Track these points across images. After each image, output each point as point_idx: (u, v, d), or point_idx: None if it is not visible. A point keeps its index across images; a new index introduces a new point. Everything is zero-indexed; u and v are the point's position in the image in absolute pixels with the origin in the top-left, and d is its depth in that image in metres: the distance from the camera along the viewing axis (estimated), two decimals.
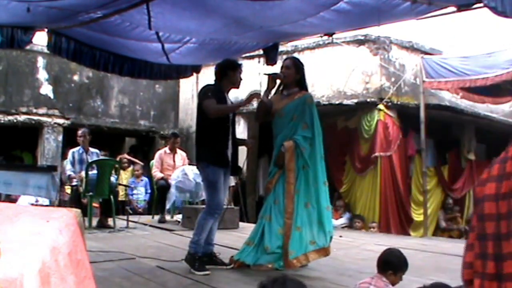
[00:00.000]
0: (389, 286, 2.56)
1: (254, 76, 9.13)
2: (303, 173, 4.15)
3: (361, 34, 8.54)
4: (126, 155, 9.95)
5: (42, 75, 9.38)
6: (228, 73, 4.22)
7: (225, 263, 4.16)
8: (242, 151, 10.63)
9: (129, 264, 4.16)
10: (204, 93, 4.13)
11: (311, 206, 4.13)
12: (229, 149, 4.15)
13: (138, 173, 9.24)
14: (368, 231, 8.16)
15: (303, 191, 4.13)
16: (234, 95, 10.73)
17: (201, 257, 3.98)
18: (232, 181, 9.30)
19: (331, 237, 4.22)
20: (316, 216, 4.13)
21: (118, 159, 9.00)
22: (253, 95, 4.17)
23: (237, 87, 4.34)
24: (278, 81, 4.41)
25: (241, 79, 4.31)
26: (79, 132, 7.08)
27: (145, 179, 9.17)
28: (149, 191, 9.04)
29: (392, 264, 2.62)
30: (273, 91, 4.45)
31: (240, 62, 4.41)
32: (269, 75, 4.40)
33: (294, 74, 4.32)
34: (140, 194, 9.19)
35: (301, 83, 4.37)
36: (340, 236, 6.59)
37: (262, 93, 4.30)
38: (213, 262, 4.11)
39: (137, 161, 9.66)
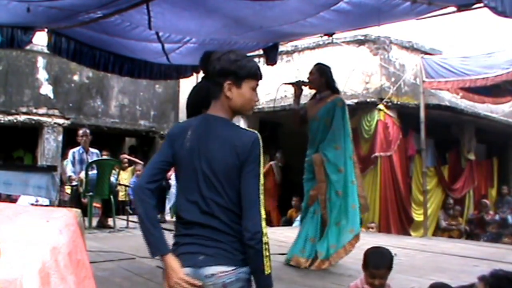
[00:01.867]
0: (360, 283, 2.48)
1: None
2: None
3: (361, 34, 8.53)
4: (126, 155, 9.94)
5: (42, 75, 9.37)
6: None
7: None
8: None
9: (129, 264, 4.15)
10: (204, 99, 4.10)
11: (337, 212, 4.29)
12: None
13: (140, 173, 9.23)
14: (367, 231, 8.15)
15: (333, 198, 4.28)
16: None
17: None
18: None
19: (356, 235, 4.30)
20: (342, 219, 4.28)
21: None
22: (300, 84, 4.41)
23: None
24: (303, 87, 4.54)
25: None
26: (80, 132, 7.07)
27: None
28: None
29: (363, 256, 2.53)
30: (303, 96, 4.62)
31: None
32: (292, 83, 4.52)
33: (318, 79, 4.44)
34: None
35: (331, 86, 4.44)
36: None
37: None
38: None
39: (138, 161, 9.65)
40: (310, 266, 4.19)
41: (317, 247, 4.22)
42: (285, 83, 4.61)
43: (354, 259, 4.82)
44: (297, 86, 4.50)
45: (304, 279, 3.78)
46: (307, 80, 4.49)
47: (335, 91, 4.48)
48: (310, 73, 4.49)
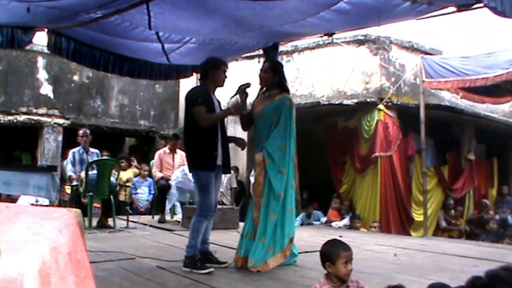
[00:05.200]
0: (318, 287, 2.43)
1: (254, 76, 9.12)
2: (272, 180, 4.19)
3: (361, 34, 8.54)
4: (135, 161, 9.95)
5: (42, 75, 9.38)
6: (209, 73, 4.14)
7: (220, 261, 4.16)
8: (243, 152, 10.59)
9: (129, 264, 4.15)
10: (194, 99, 4.06)
11: (276, 216, 4.17)
12: (219, 150, 4.11)
13: (144, 174, 9.21)
14: (369, 231, 8.16)
15: (272, 202, 4.16)
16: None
17: (200, 258, 3.99)
18: (234, 183, 9.31)
19: (291, 239, 4.23)
20: (279, 223, 4.17)
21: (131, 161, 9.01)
22: (242, 88, 4.22)
23: (221, 86, 4.25)
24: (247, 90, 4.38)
25: (225, 77, 4.22)
26: (80, 132, 7.07)
27: (149, 179, 9.12)
28: (152, 191, 9.02)
29: (324, 255, 2.46)
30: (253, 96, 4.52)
31: (223, 59, 4.30)
32: (238, 92, 4.33)
33: (271, 77, 4.36)
34: (144, 194, 9.20)
35: (281, 85, 4.39)
36: (340, 236, 6.59)
37: (238, 97, 4.28)
38: (209, 261, 4.11)
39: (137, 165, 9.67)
40: (245, 265, 4.09)
41: (254, 251, 4.09)
42: (232, 96, 4.39)
43: (353, 259, 4.83)
44: (242, 92, 4.32)
45: (304, 279, 3.78)
46: (248, 82, 4.31)
47: (285, 90, 4.38)
48: (263, 70, 4.40)
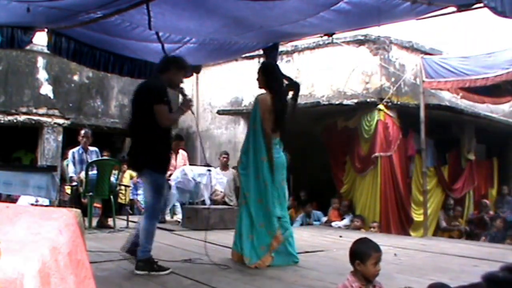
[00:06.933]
0: (348, 283, 2.45)
1: (254, 76, 9.12)
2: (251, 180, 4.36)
3: (361, 34, 8.53)
4: None
5: (42, 75, 9.38)
6: (171, 70, 3.97)
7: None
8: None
9: (129, 264, 4.15)
10: (159, 95, 3.83)
11: (254, 214, 4.29)
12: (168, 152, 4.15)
13: None
14: (368, 231, 8.16)
15: (248, 201, 4.33)
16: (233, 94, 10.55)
17: (155, 260, 3.93)
18: (238, 181, 9.31)
19: (274, 236, 4.27)
20: (261, 221, 4.28)
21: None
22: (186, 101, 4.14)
23: (173, 88, 4.11)
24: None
25: (180, 82, 4.08)
26: (82, 132, 7.07)
27: None
28: None
29: (354, 253, 2.47)
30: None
31: (189, 66, 4.28)
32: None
33: (261, 79, 4.44)
34: None
35: (269, 85, 4.41)
36: (340, 236, 6.59)
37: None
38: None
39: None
40: (241, 260, 4.23)
41: (246, 248, 4.22)
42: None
43: None
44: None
45: (304, 279, 3.78)
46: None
47: (272, 89, 4.35)
48: (257, 74, 4.50)
